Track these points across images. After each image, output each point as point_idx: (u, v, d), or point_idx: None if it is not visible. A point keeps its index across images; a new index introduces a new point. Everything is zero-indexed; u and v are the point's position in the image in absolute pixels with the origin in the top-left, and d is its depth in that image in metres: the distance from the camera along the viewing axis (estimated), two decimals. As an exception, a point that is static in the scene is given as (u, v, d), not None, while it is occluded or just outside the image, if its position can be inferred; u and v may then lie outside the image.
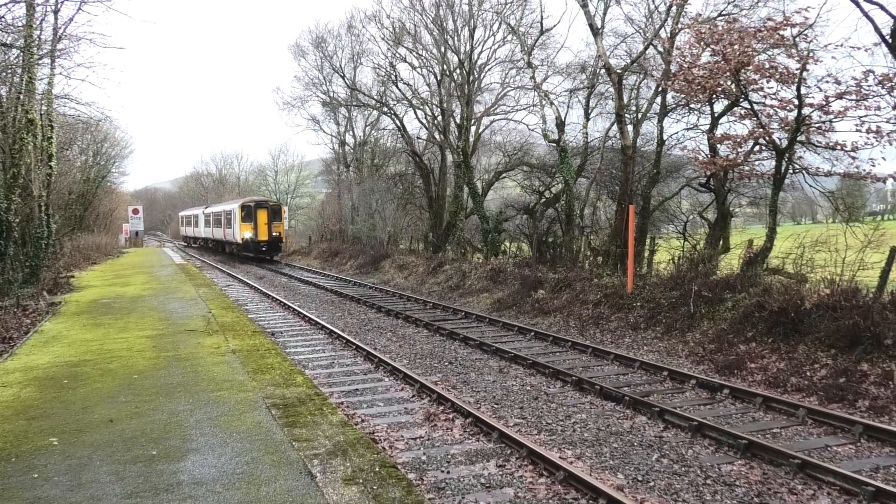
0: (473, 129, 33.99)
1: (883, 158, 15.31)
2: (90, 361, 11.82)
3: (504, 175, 36.41)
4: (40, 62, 23.27)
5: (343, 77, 44.30)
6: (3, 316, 16.97)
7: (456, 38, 33.05)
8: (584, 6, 21.98)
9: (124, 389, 9.81)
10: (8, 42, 20.96)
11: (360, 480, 6.32)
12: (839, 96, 14.97)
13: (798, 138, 16.13)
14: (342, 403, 10.60)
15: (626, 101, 23.52)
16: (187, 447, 7.26)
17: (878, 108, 14.67)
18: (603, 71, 23.83)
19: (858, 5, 13.59)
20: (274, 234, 43.54)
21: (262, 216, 43.32)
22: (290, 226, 60.52)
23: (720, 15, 20.99)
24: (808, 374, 11.25)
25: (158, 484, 6.28)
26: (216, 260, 47.88)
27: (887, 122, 14.69)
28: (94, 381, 10.34)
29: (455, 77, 33.48)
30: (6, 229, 21.33)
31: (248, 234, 42.75)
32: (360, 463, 6.76)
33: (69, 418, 8.42)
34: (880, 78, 14.24)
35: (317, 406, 8.85)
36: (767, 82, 16.43)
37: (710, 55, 16.94)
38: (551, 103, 27.16)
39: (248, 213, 42.96)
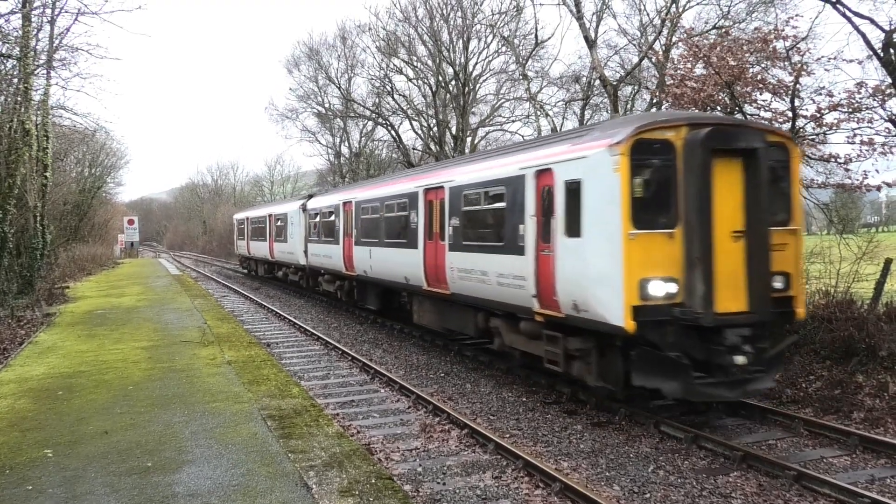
0: (469, 140, 34.11)
1: (876, 171, 15.39)
2: (85, 373, 11.78)
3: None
4: (36, 72, 23.32)
5: (339, 87, 44.44)
6: (-3, 327, 16.92)
7: (451, 50, 33.23)
8: (580, 18, 22.15)
9: (119, 401, 9.78)
10: (4, 52, 21.03)
11: (356, 492, 6.31)
12: (832, 108, 15.08)
13: (792, 150, 16.21)
14: (338, 415, 10.57)
15: (621, 112, 23.64)
16: (183, 459, 7.24)
17: (871, 121, 14.78)
18: (597, 82, 23.99)
19: (849, 20, 13.73)
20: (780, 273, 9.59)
21: (730, 185, 9.26)
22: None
23: (713, 27, 21.18)
24: (804, 385, 11.27)
25: (154, 496, 6.26)
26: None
27: (878, 134, 14.80)
28: (89, 393, 10.30)
29: (450, 88, 33.63)
30: (1, 240, 21.29)
31: (664, 288, 9.03)
32: (355, 475, 6.75)
33: (64, 430, 8.39)
34: (872, 90, 14.36)
35: (312, 417, 8.84)
36: (761, 94, 16.56)
37: (704, 68, 17.06)
38: (546, 114, 27.33)
39: (661, 181, 9.26)
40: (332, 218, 22.47)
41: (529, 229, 10.89)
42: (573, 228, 9.75)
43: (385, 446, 9.11)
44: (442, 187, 14.31)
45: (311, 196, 28.33)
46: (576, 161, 9.82)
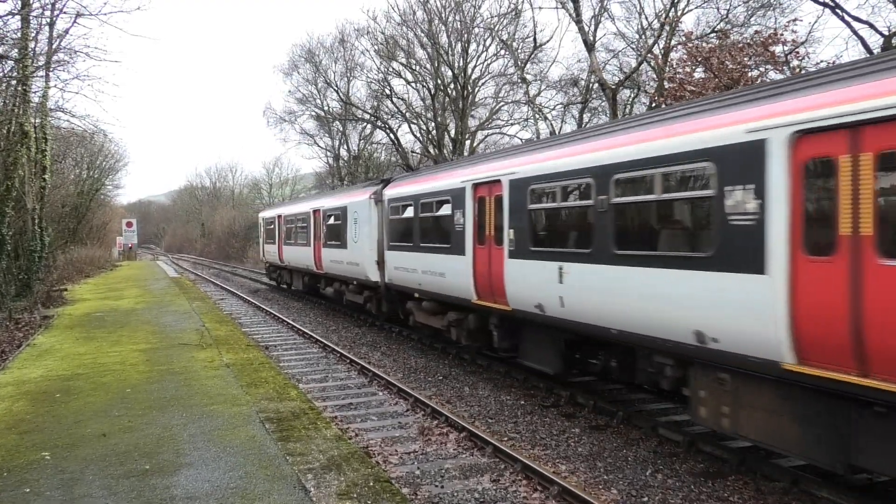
0: (468, 143, 34.16)
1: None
2: (83, 375, 11.76)
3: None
4: (35, 74, 23.33)
5: (337, 91, 44.50)
6: (-5, 329, 16.90)
7: (450, 54, 33.30)
8: (579, 21, 22.20)
9: (117, 403, 9.76)
10: (2, 53, 21.03)
11: (355, 495, 6.31)
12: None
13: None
14: (336, 417, 10.57)
15: (620, 116, 23.70)
16: (181, 461, 7.23)
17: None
18: (596, 85, 24.05)
19: (848, 24, 13.81)
20: None
21: None
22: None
23: (712, 31, 21.24)
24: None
25: (152, 499, 6.25)
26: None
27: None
28: (87, 395, 10.29)
29: (449, 91, 33.69)
30: (-1, 242, 21.29)
31: None
32: (354, 477, 6.75)
33: (62, 432, 8.37)
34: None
35: (311, 420, 8.83)
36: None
37: (704, 71, 17.13)
38: (545, 118, 27.36)
39: None
40: (446, 211, 14.08)
41: None
42: None
43: (383, 449, 9.11)
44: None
45: (386, 182, 19.34)
46: None
